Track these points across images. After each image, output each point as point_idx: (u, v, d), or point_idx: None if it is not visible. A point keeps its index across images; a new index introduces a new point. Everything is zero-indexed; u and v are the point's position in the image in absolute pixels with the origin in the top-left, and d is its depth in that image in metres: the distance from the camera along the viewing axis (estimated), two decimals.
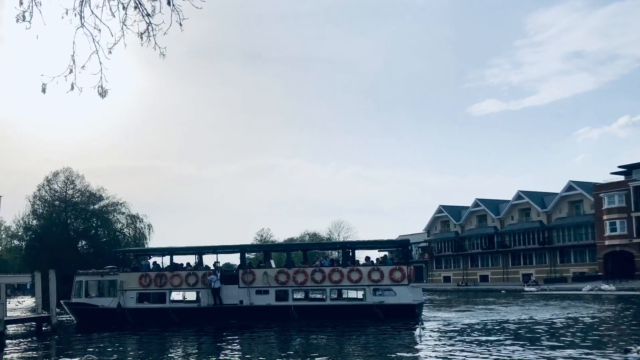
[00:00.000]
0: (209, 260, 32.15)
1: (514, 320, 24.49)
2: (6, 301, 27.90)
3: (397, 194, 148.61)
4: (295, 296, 28.11)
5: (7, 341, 21.68)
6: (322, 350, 17.34)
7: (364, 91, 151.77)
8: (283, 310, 26.65)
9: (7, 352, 18.78)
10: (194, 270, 29.18)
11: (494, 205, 75.14)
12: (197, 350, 18.72)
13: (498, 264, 72.18)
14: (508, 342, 17.25)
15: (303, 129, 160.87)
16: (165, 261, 30.33)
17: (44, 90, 5.93)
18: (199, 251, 30.63)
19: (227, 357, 16.38)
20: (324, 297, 27.91)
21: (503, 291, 53.80)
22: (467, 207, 78.45)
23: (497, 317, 25.96)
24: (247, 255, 32.27)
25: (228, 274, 29.30)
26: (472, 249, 75.42)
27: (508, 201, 72.83)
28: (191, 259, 30.63)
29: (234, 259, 34.47)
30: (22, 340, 22.91)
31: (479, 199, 76.40)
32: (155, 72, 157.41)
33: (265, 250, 36.44)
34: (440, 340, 18.49)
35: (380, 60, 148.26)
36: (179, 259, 30.67)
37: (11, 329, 26.34)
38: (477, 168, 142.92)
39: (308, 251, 34.87)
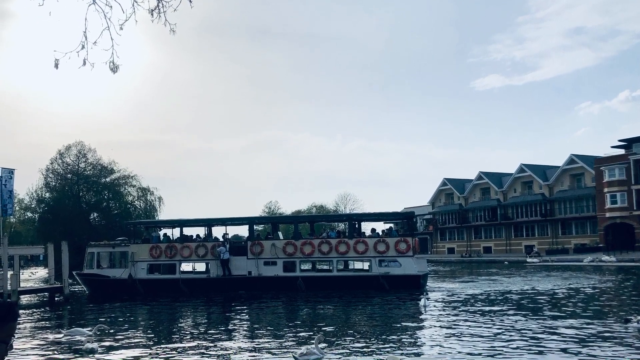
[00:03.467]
0: (218, 232, 32.74)
1: (516, 290, 25.00)
2: (20, 272, 28.63)
3: (402, 166, 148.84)
4: (302, 267, 28.73)
5: (21, 311, 22.10)
6: (329, 320, 17.82)
7: (369, 67, 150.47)
8: (290, 281, 27.26)
9: (21, 322, 19.34)
10: (203, 242, 29.76)
11: (497, 178, 75.38)
12: (206, 320, 19.25)
13: (501, 235, 72.78)
14: (511, 312, 17.72)
15: (309, 104, 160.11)
16: (176, 233, 30.94)
17: (56, 66, 6.00)
18: (209, 223, 31.14)
19: (236, 327, 16.84)
20: (331, 268, 28.50)
21: (506, 262, 54.44)
22: (470, 180, 78.70)
23: (500, 288, 26.47)
24: (255, 227, 32.72)
25: (237, 246, 29.76)
26: (476, 221, 75.95)
27: (511, 174, 73.01)
28: (201, 231, 31.23)
29: (243, 230, 34.91)
30: (35, 310, 23.36)
31: (482, 172, 76.60)
32: (164, 47, 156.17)
33: (273, 222, 36.95)
34: (444, 310, 19.03)
35: (385, 36, 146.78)
36: (189, 231, 31.28)
37: (25, 299, 27.02)
38: (480, 142, 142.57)
39: (315, 223, 35.39)
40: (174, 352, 12.81)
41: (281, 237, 30.85)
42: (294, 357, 10.78)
